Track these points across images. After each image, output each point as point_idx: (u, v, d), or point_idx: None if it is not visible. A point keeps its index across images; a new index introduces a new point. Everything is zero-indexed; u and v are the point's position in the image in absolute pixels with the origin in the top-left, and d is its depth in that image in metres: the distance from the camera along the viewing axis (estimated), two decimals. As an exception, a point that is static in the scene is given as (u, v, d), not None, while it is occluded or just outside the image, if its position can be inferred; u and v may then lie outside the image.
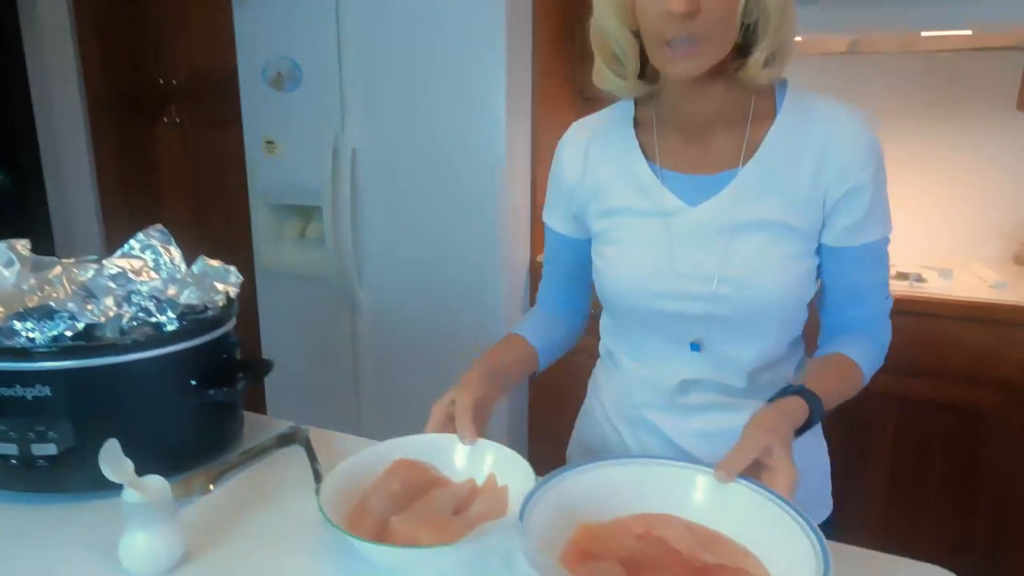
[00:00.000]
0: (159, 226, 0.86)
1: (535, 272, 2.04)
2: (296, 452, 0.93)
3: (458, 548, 0.60)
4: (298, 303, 2.24)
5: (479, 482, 0.79)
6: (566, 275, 1.00)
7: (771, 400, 0.75)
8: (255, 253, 2.28)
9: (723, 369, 0.86)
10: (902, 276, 1.80)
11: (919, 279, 1.77)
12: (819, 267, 0.84)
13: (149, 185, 2.68)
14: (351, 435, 0.97)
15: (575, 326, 1.03)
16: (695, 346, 0.85)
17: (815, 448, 0.95)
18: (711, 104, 0.80)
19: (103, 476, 0.64)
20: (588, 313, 1.05)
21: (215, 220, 2.57)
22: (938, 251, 2.11)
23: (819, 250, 0.83)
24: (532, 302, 2.05)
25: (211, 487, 0.82)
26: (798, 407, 0.72)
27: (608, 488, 0.69)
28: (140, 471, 0.75)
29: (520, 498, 0.70)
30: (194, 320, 0.83)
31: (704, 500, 0.67)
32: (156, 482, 0.67)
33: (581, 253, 0.94)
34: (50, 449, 0.77)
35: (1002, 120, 2.01)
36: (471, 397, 0.79)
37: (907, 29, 1.70)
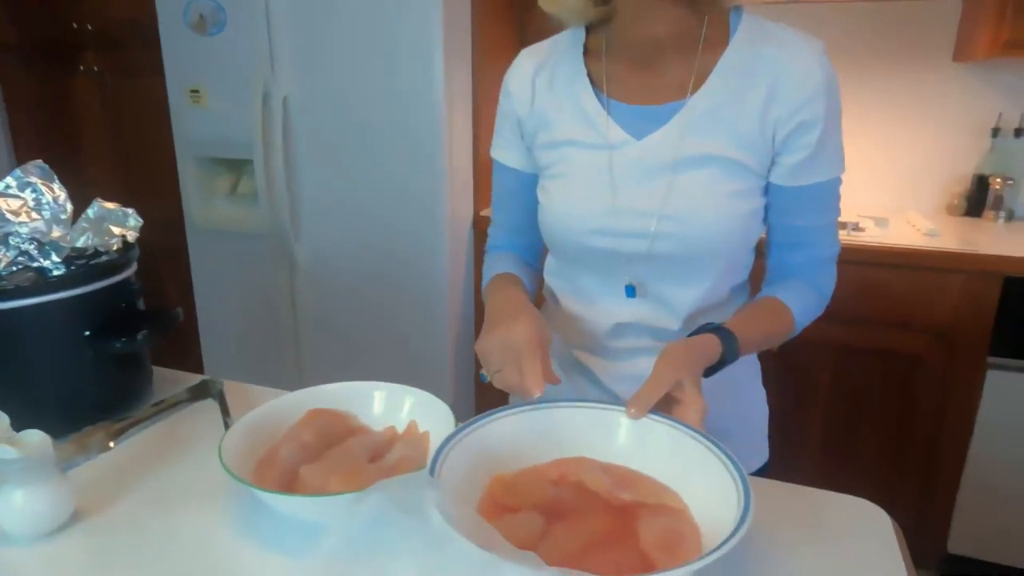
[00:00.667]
0: (39, 162, 0.78)
1: (478, 224, 1.98)
2: (210, 407, 0.87)
3: (367, 494, 0.57)
4: (233, 261, 2.15)
5: (400, 429, 0.75)
6: (520, 215, 0.93)
7: (688, 337, 0.73)
8: (185, 210, 2.17)
9: (660, 312, 0.84)
10: (840, 225, 1.80)
11: (856, 228, 1.78)
12: (765, 208, 0.81)
13: (68, 139, 2.51)
14: (271, 387, 0.91)
15: (536, 270, 0.98)
16: (630, 290, 0.83)
17: (754, 398, 0.95)
18: (662, 27, 0.76)
19: None
20: (542, 248, 0.98)
21: (141, 175, 2.44)
22: (876, 201, 2.14)
23: (766, 189, 0.80)
24: (476, 254, 2.02)
25: (111, 444, 0.77)
26: (710, 343, 0.71)
27: (522, 436, 0.66)
28: (32, 427, 0.70)
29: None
30: (85, 266, 0.76)
31: (620, 439, 0.66)
32: (34, 437, 0.61)
33: (532, 187, 0.90)
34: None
35: (938, 71, 2.03)
36: (539, 335, 0.70)
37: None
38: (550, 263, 0.94)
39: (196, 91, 2.02)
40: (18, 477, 0.61)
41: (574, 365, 0.91)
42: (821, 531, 0.65)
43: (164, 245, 2.29)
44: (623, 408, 0.66)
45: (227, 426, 0.80)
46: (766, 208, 0.81)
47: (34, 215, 0.75)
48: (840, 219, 1.87)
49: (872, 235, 1.75)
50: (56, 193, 0.77)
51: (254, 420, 0.71)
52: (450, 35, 1.77)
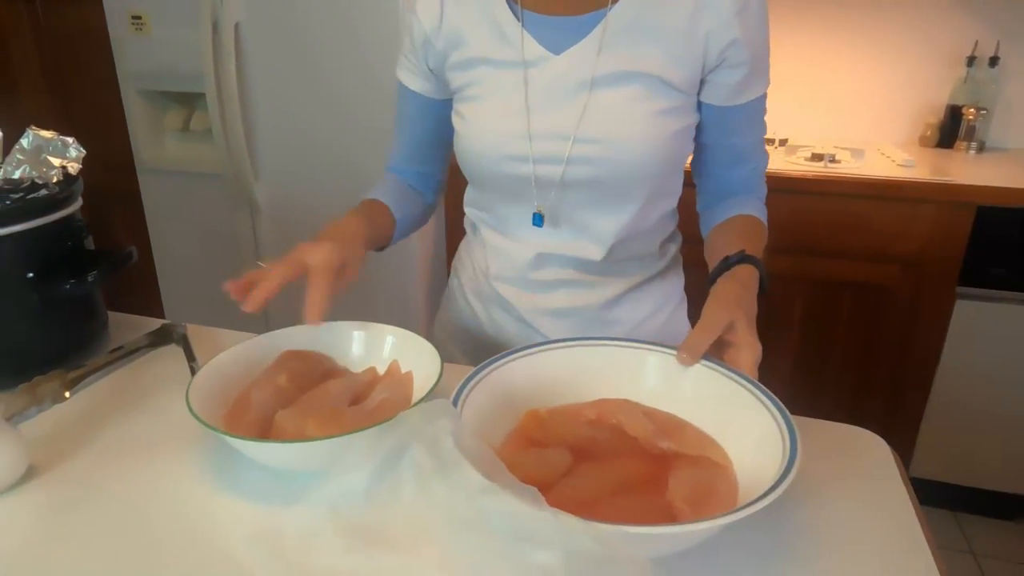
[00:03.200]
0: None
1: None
2: (172, 352, 0.82)
3: (355, 438, 0.53)
4: (190, 202, 2.04)
5: (380, 371, 0.71)
6: (420, 141, 0.89)
7: (716, 274, 0.69)
8: (133, 149, 2.04)
9: (581, 242, 0.79)
10: (816, 157, 1.79)
11: (833, 160, 1.76)
12: (697, 127, 0.77)
13: (-1, 71, 2.32)
14: (237, 331, 0.86)
15: (427, 202, 0.94)
16: (537, 218, 0.78)
17: (671, 309, 0.91)
18: None
19: None
20: (444, 185, 0.96)
21: (82, 111, 2.28)
22: (850, 133, 2.12)
23: (699, 108, 0.76)
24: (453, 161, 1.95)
25: (67, 394, 0.71)
26: (752, 276, 0.67)
27: (557, 372, 0.64)
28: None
29: (426, 384, 0.64)
30: (21, 200, 0.69)
31: (663, 383, 0.63)
32: None
33: (440, 115, 0.84)
34: None
35: (912, 4, 1.99)
36: (334, 258, 0.67)
37: None
38: (469, 193, 0.89)
39: (138, 17, 1.87)
40: None
41: (494, 298, 0.87)
42: (830, 463, 0.63)
43: (113, 187, 2.16)
44: (664, 348, 0.63)
45: (193, 372, 0.75)
46: (698, 128, 0.77)
47: (-41, 144, 0.67)
48: (816, 151, 1.86)
49: (848, 167, 1.73)
50: (-18, 119, 0.69)
51: (223, 364, 0.66)
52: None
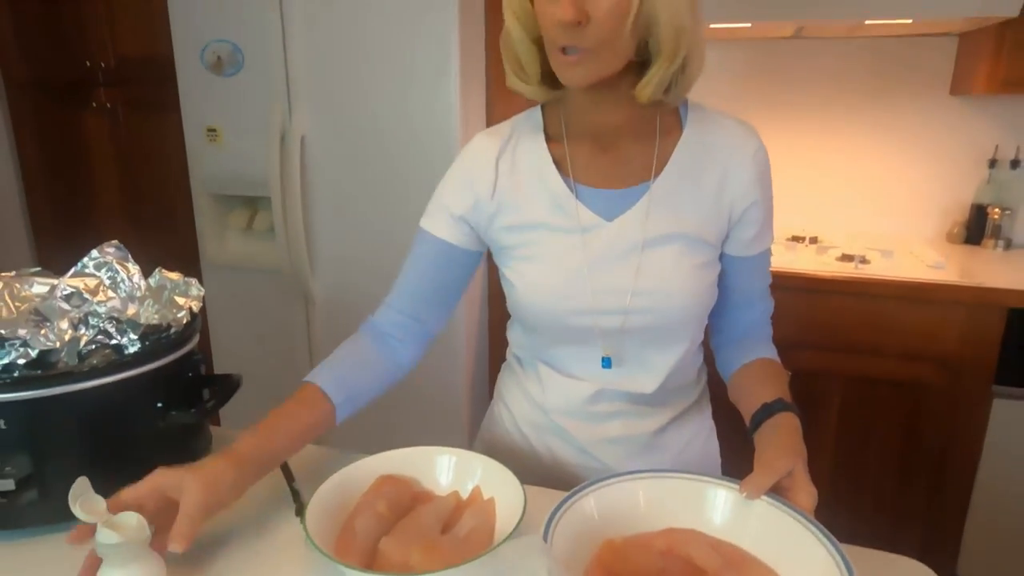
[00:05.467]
0: (115, 242, 0.81)
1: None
2: (269, 468, 0.90)
3: (459, 572, 0.60)
4: (248, 297, 2.17)
5: (463, 495, 0.79)
6: (430, 286, 0.92)
7: (760, 418, 0.78)
8: (200, 246, 2.19)
9: (636, 378, 0.89)
10: (847, 258, 1.87)
11: (863, 260, 1.84)
12: (720, 274, 0.88)
13: (77, 173, 2.52)
14: (321, 447, 0.94)
15: (402, 362, 0.93)
16: (606, 361, 0.87)
17: (706, 435, 1.00)
18: (616, 116, 0.82)
19: (63, 509, 0.61)
20: (433, 341, 0.97)
21: (153, 211, 2.45)
22: (879, 230, 2.20)
23: (721, 258, 0.88)
24: (490, 291, 2.06)
25: (183, 513, 0.79)
26: (798, 425, 0.76)
27: (630, 503, 0.71)
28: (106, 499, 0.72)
29: (507, 511, 0.71)
30: (156, 340, 0.79)
31: (727, 516, 0.69)
32: (132, 519, 0.64)
33: (460, 263, 0.91)
34: (7, 485, 0.72)
35: (936, 104, 2.10)
36: (207, 497, 0.67)
37: (852, 19, 1.74)
38: (517, 333, 0.97)
39: (213, 130, 2.05)
40: (119, 560, 0.63)
41: (552, 428, 0.94)
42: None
43: (177, 279, 2.31)
44: (728, 482, 0.71)
45: (293, 491, 0.83)
46: (720, 275, 0.89)
47: (110, 293, 0.78)
48: (846, 252, 1.94)
49: (878, 267, 1.80)
50: (131, 271, 0.80)
51: (330, 491, 0.74)
52: (465, 74, 1.82)
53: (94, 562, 0.64)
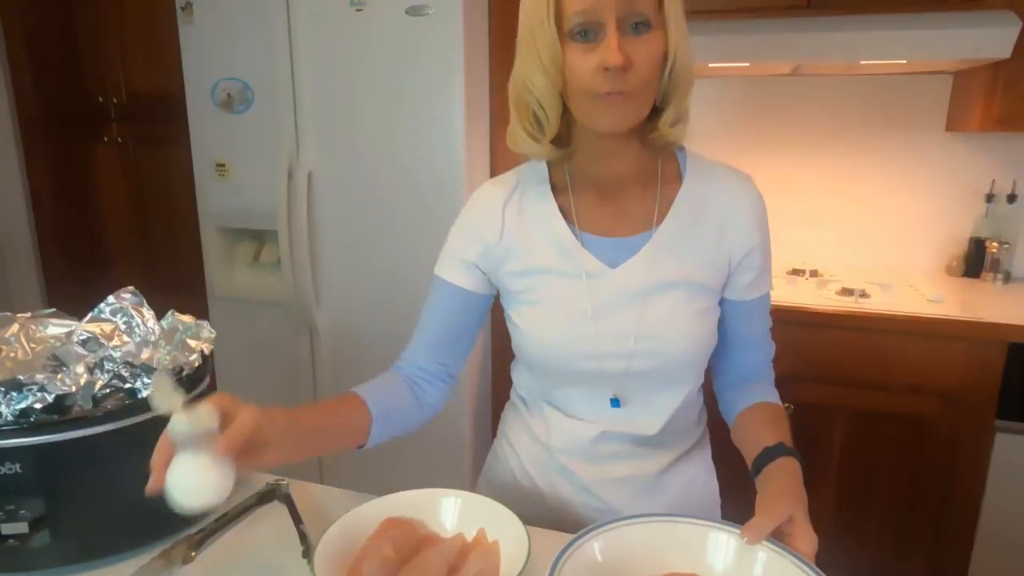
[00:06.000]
0: (131, 288, 0.84)
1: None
2: (276, 508, 0.91)
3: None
4: (254, 328, 2.19)
5: (468, 537, 0.80)
6: (451, 332, 0.95)
7: (761, 462, 0.79)
8: (207, 278, 2.22)
9: (639, 420, 0.90)
10: (847, 292, 1.88)
11: (863, 295, 1.86)
12: (720, 318, 0.90)
13: (87, 205, 2.57)
14: (330, 487, 0.96)
15: (434, 397, 0.95)
16: (615, 402, 0.89)
17: (707, 475, 1.01)
18: (624, 164, 0.85)
19: (75, 551, 0.62)
20: (456, 384, 0.99)
21: (161, 243, 2.49)
22: (878, 263, 2.23)
23: (721, 303, 0.90)
24: (495, 321, 2.08)
25: (193, 555, 0.80)
26: (799, 470, 0.77)
27: (634, 546, 0.72)
28: (116, 544, 0.73)
29: (512, 554, 0.72)
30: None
31: (727, 560, 0.70)
32: (203, 411, 0.65)
33: (475, 308, 0.93)
34: (20, 527, 0.74)
35: (932, 140, 2.14)
36: (260, 420, 0.68)
37: (847, 60, 1.78)
38: (522, 377, 0.98)
39: (222, 165, 2.09)
40: (190, 446, 0.64)
41: (557, 468, 0.95)
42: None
43: (181, 311, 2.33)
44: (729, 527, 0.72)
45: (301, 533, 0.84)
46: (721, 319, 0.91)
47: (125, 338, 0.80)
48: (846, 286, 1.96)
49: (879, 301, 1.82)
50: (145, 316, 0.82)
51: (338, 535, 0.75)
52: (471, 110, 1.86)
53: (167, 448, 0.65)
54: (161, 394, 0.65)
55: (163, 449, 0.65)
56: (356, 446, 0.88)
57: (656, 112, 0.81)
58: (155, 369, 0.79)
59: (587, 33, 0.73)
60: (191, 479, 0.64)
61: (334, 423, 0.83)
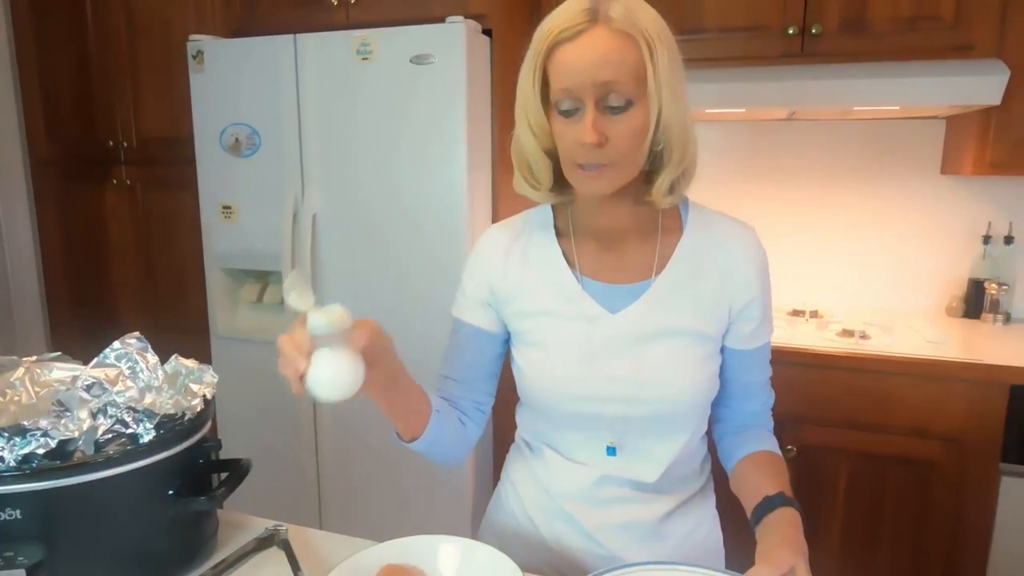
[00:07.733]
0: (136, 333, 0.85)
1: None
2: (274, 555, 0.91)
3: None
4: (256, 368, 2.19)
5: (467, 585, 0.79)
6: (477, 370, 0.96)
7: (761, 512, 0.79)
8: (210, 318, 2.23)
9: (638, 466, 0.90)
10: (848, 333, 1.89)
11: (864, 336, 1.86)
12: (720, 366, 0.91)
13: (95, 246, 2.60)
14: (329, 532, 0.95)
15: (468, 432, 0.97)
16: (611, 450, 0.90)
17: (711, 524, 1.00)
18: (622, 218, 0.87)
19: None
20: (488, 417, 1.01)
21: (165, 282, 2.51)
22: (878, 304, 2.23)
23: (722, 351, 0.91)
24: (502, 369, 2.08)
25: (190, 602, 0.80)
26: (799, 521, 0.78)
27: None
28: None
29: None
30: (171, 429, 0.81)
31: None
32: (337, 309, 0.67)
33: (495, 343, 0.95)
34: (18, 574, 0.74)
35: (928, 184, 2.17)
36: (379, 328, 0.74)
37: (841, 106, 1.82)
38: (524, 415, 0.99)
39: (228, 207, 2.13)
40: (327, 341, 0.66)
41: (559, 513, 0.95)
42: None
43: (185, 350, 2.34)
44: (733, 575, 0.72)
45: (298, 580, 0.83)
46: (721, 367, 0.91)
47: (129, 383, 0.81)
48: (846, 327, 1.96)
49: (879, 343, 1.82)
50: (149, 361, 0.83)
51: (336, 583, 0.74)
52: (473, 155, 1.89)
53: (307, 344, 0.67)
54: (297, 293, 0.66)
55: (302, 346, 0.67)
56: (411, 436, 0.88)
57: (651, 175, 0.82)
58: (158, 415, 0.80)
59: (569, 110, 0.77)
60: (332, 372, 0.67)
61: (413, 388, 0.86)
